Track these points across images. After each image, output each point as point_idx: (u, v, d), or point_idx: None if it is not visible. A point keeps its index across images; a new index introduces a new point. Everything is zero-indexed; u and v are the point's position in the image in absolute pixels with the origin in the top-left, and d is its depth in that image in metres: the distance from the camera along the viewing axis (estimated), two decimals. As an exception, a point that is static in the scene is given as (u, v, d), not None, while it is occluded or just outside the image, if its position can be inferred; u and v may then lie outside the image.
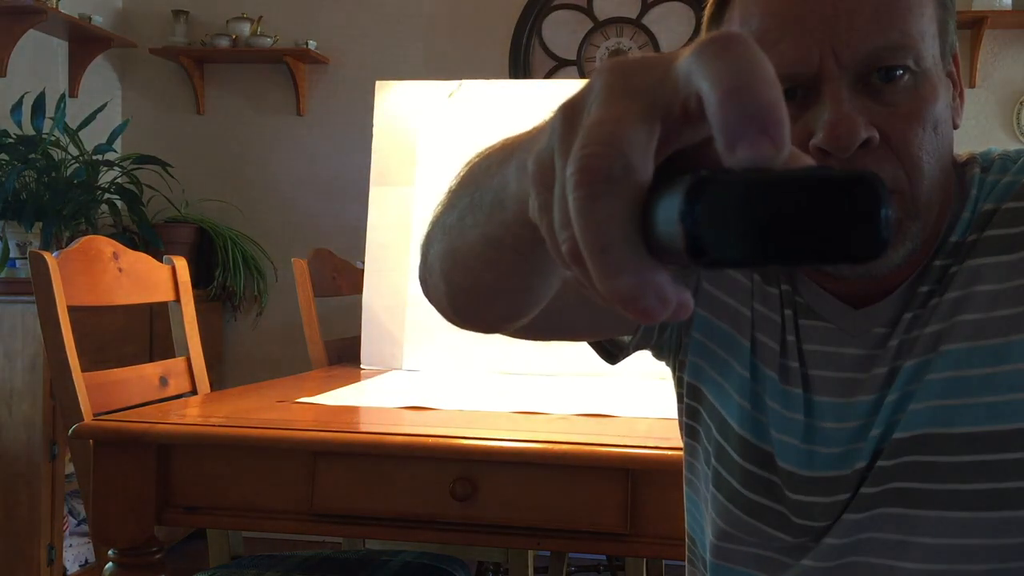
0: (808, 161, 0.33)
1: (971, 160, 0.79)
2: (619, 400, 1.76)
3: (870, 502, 0.76)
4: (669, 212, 0.31)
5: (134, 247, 2.42)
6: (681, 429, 0.90)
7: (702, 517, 0.88)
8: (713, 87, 0.32)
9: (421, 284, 0.71)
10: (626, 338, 0.88)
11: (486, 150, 0.57)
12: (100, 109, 3.36)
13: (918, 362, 0.75)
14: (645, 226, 0.33)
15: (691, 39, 3.52)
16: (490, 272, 0.57)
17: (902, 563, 0.75)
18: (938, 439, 0.73)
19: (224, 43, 3.70)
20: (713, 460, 0.84)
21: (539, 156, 0.39)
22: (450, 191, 0.62)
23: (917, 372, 0.75)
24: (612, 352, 0.91)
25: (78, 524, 3.01)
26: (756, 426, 0.81)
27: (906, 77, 0.70)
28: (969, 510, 0.72)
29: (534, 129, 0.46)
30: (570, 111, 0.38)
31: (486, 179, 0.53)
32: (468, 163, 0.59)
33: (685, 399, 0.88)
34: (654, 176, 0.34)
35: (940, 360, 0.74)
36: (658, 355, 0.91)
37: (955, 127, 0.76)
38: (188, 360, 1.97)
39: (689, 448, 0.89)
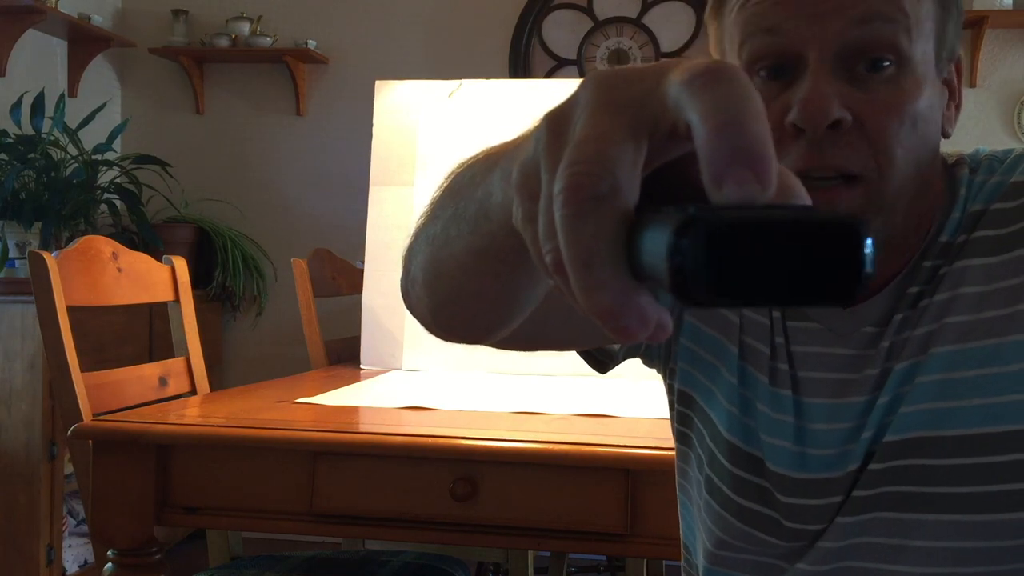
0: (797, 191, 0.34)
1: (960, 161, 0.79)
2: (619, 400, 1.75)
3: (863, 505, 0.76)
4: (656, 245, 0.31)
5: (133, 247, 2.42)
6: (674, 435, 0.90)
7: (695, 524, 0.88)
8: (703, 120, 0.32)
9: (403, 296, 0.71)
10: (615, 347, 0.88)
11: (468, 160, 0.57)
12: (99, 109, 3.35)
13: (908, 364, 0.74)
14: (630, 246, 0.33)
15: (691, 39, 3.54)
16: (474, 282, 0.56)
17: (897, 567, 0.75)
18: (929, 442, 0.73)
19: (224, 43, 3.70)
20: (705, 467, 0.84)
21: (524, 166, 0.39)
22: (433, 202, 0.62)
23: (907, 375, 0.74)
24: (602, 361, 0.91)
25: (77, 524, 3.00)
26: (745, 431, 0.81)
27: (890, 68, 0.70)
28: (962, 513, 0.72)
29: (517, 138, 0.47)
30: (555, 122, 0.37)
31: (469, 189, 0.53)
32: (450, 173, 0.60)
33: (676, 406, 0.88)
34: (640, 191, 0.34)
35: (930, 363, 0.74)
36: (648, 362, 0.91)
37: (945, 136, 0.76)
38: (187, 360, 1.97)
39: (682, 454, 0.89)
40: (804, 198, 0.34)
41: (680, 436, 0.88)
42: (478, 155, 0.55)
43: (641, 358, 0.90)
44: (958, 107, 0.78)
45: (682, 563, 0.93)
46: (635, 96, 0.35)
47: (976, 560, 0.72)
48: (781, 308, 0.32)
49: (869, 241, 0.30)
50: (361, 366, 2.24)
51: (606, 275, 0.34)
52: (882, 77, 0.70)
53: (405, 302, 0.71)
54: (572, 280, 0.34)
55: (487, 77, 2.48)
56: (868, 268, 0.30)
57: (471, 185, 0.53)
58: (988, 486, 0.71)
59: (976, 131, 3.43)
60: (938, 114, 0.74)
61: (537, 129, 0.38)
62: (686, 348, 0.85)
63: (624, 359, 0.90)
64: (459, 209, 0.54)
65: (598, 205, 0.33)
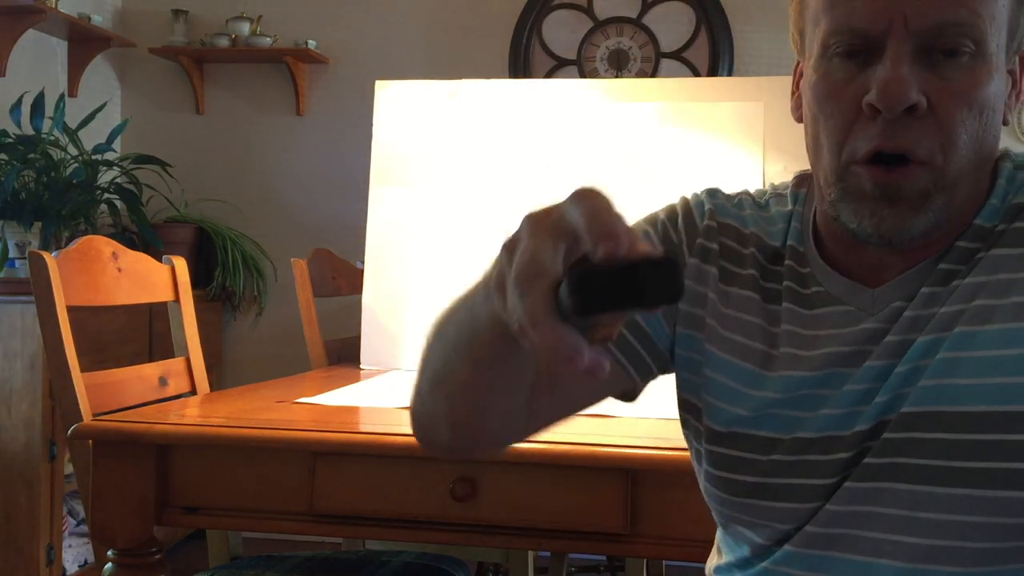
0: (642, 248, 0.52)
1: (1005, 155, 0.82)
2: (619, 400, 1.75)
3: (875, 473, 0.78)
4: (564, 290, 0.53)
5: (133, 247, 2.41)
6: (680, 420, 0.94)
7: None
8: (580, 219, 0.54)
9: (420, 442, 0.88)
10: (635, 376, 0.91)
11: (446, 309, 0.77)
12: (99, 109, 3.35)
13: (932, 339, 0.77)
14: (559, 304, 0.53)
15: (691, 39, 3.54)
16: (483, 390, 0.76)
17: (904, 537, 0.77)
18: (946, 416, 0.75)
19: (224, 43, 3.70)
20: (704, 441, 0.87)
21: (498, 275, 0.59)
22: (426, 351, 0.80)
23: (929, 348, 0.77)
24: (626, 392, 0.94)
25: (77, 524, 3.00)
26: (739, 419, 0.84)
27: (966, 56, 0.74)
28: (974, 488, 0.74)
29: (480, 281, 0.68)
30: (510, 246, 0.58)
31: (458, 326, 0.73)
32: (434, 325, 0.79)
33: (680, 411, 0.92)
34: (570, 269, 0.54)
35: (953, 339, 0.76)
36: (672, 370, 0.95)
37: (1004, 123, 0.79)
38: (187, 360, 1.97)
39: (686, 436, 0.93)
40: (651, 251, 0.52)
41: (682, 420, 0.92)
42: (454, 302, 0.76)
43: (662, 374, 0.94)
44: (1019, 96, 0.81)
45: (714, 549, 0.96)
46: (551, 220, 0.56)
47: (980, 535, 0.74)
48: (632, 311, 0.52)
49: (678, 266, 0.51)
50: (361, 366, 2.24)
51: (545, 325, 0.53)
52: (958, 63, 0.74)
53: (424, 444, 0.88)
54: (528, 336, 0.53)
55: (487, 77, 2.48)
56: (679, 283, 0.51)
57: (457, 317, 0.74)
58: (1002, 463, 0.73)
59: (976, 131, 3.42)
60: (1002, 103, 0.78)
61: (500, 255, 0.59)
62: (681, 356, 0.90)
63: (644, 383, 0.93)
64: (455, 338, 0.74)
65: (532, 284, 0.54)
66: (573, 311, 0.52)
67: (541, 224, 0.56)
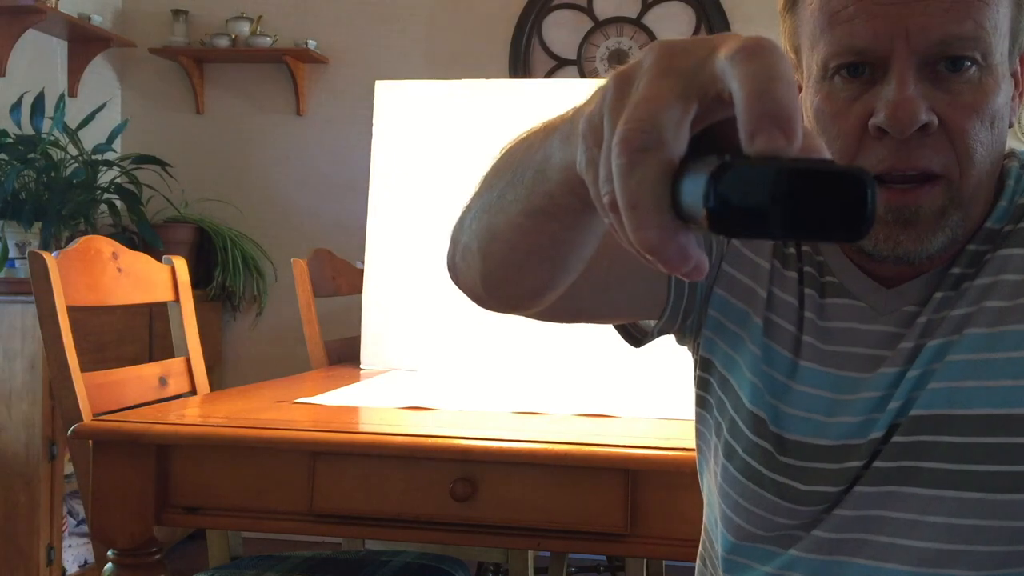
0: (819, 148, 0.38)
1: (1010, 154, 0.82)
2: (619, 400, 1.75)
3: (884, 477, 0.77)
4: (695, 187, 0.37)
5: (133, 247, 2.41)
6: (695, 400, 0.91)
7: (713, 493, 0.89)
8: (740, 87, 0.38)
9: (449, 270, 0.77)
10: (650, 323, 0.89)
11: (523, 135, 0.63)
12: (99, 109, 3.35)
13: (942, 342, 0.76)
14: (675, 190, 0.39)
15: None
16: (528, 242, 0.62)
17: (914, 542, 0.76)
18: (956, 419, 0.75)
19: (223, 43, 3.70)
20: (725, 432, 0.85)
21: (591, 117, 0.45)
22: (486, 176, 0.68)
23: (940, 352, 0.76)
24: (636, 336, 0.92)
25: (77, 524, 3.00)
26: (765, 402, 0.83)
27: (972, 69, 0.72)
28: (984, 492, 0.74)
29: (571, 110, 0.53)
30: (622, 81, 0.43)
31: (527, 156, 0.59)
32: (503, 150, 0.66)
33: (697, 370, 0.89)
34: (691, 144, 0.40)
35: (963, 342, 0.76)
36: (681, 340, 0.92)
37: (1009, 125, 0.78)
38: (187, 360, 1.97)
39: (700, 417, 0.91)
40: (826, 156, 0.39)
41: (699, 400, 0.90)
42: (533, 128, 0.61)
43: (675, 334, 0.91)
44: (1021, 96, 0.80)
45: (698, 556, 0.94)
46: (689, 65, 0.41)
47: (992, 538, 0.74)
48: (796, 240, 0.39)
49: (873, 189, 0.35)
50: (361, 366, 2.24)
51: (650, 215, 0.40)
52: (964, 77, 0.72)
53: (451, 276, 0.77)
54: (624, 219, 0.41)
55: (487, 77, 2.48)
56: (870, 212, 0.35)
57: (528, 152, 0.59)
58: (1012, 466, 0.73)
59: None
60: (1008, 109, 0.77)
61: (605, 86, 0.44)
62: (713, 318, 0.86)
63: (659, 335, 0.90)
64: (516, 175, 0.60)
65: (644, 157, 0.40)
66: (708, 226, 0.36)
67: (674, 66, 0.41)
